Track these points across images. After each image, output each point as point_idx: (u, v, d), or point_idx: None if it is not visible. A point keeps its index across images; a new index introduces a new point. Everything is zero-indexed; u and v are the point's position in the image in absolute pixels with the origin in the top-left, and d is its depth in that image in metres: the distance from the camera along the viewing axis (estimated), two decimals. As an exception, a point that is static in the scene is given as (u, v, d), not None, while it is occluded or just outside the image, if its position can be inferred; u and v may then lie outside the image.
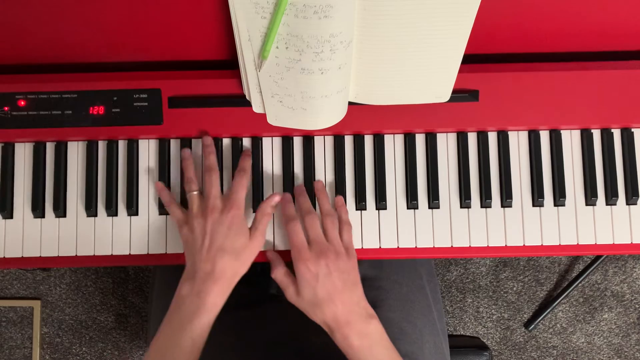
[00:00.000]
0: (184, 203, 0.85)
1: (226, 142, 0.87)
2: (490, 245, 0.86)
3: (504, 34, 0.83)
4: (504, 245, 0.86)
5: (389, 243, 0.86)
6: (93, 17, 0.78)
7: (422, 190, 0.87)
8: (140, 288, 1.67)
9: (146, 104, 0.85)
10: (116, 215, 0.86)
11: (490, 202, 0.86)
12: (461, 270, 1.68)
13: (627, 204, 0.87)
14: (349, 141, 0.88)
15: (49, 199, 0.87)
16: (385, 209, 0.87)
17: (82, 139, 0.87)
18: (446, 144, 0.88)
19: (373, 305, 0.89)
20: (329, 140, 0.88)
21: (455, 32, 0.73)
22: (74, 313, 1.66)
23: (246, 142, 0.88)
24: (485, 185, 0.86)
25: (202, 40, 0.82)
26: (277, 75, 0.75)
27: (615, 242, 0.86)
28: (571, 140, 0.88)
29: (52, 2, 0.76)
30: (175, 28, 0.80)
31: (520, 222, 0.87)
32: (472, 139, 0.88)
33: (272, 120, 0.84)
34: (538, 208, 0.87)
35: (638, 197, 0.86)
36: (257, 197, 0.86)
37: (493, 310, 1.68)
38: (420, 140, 0.88)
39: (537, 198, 0.86)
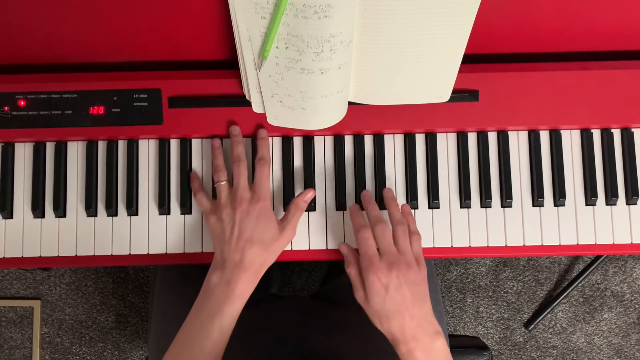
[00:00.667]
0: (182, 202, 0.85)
1: (226, 142, 0.87)
2: (490, 245, 0.86)
3: (504, 34, 0.83)
4: (504, 245, 0.86)
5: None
6: (93, 17, 0.78)
7: (422, 190, 0.87)
8: (140, 288, 1.67)
9: (146, 104, 0.85)
10: (116, 215, 0.86)
11: (490, 202, 0.86)
12: (461, 270, 1.68)
13: (627, 204, 0.87)
14: (349, 141, 0.88)
15: (49, 199, 0.87)
16: (385, 209, 0.87)
17: (82, 139, 0.87)
18: (446, 144, 0.88)
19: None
20: (329, 140, 0.88)
21: (455, 32, 0.73)
22: (74, 313, 1.66)
23: (246, 142, 0.87)
24: (485, 185, 0.86)
25: (202, 40, 0.82)
26: (277, 75, 0.75)
27: (615, 242, 0.86)
28: (571, 140, 0.88)
29: (52, 2, 0.76)
30: (175, 28, 0.80)
31: (520, 222, 0.87)
32: (472, 139, 0.88)
33: (272, 120, 0.84)
34: (538, 208, 0.87)
35: (638, 197, 0.86)
36: (257, 197, 0.86)
37: (493, 310, 1.68)
38: (420, 140, 0.88)
39: (537, 198, 0.86)
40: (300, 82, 0.74)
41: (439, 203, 0.87)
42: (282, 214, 0.86)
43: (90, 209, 0.86)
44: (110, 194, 0.86)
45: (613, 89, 0.85)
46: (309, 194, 0.85)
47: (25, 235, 0.86)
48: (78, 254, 0.86)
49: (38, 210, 0.86)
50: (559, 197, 0.86)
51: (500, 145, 0.87)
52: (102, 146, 0.87)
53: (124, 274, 1.67)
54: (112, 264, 0.86)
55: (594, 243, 0.86)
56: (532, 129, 0.88)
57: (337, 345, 0.87)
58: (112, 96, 0.85)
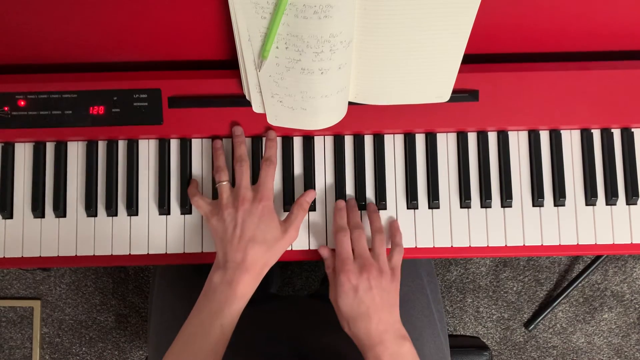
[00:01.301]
0: (185, 201, 0.85)
1: (226, 142, 0.87)
2: (490, 245, 0.86)
3: (504, 34, 0.83)
4: (504, 245, 0.86)
5: (389, 243, 0.86)
6: (93, 17, 0.78)
7: (422, 190, 0.87)
8: (140, 288, 1.67)
9: (146, 104, 0.85)
10: (116, 215, 0.86)
11: (490, 202, 0.86)
12: (461, 270, 1.68)
13: (627, 204, 0.87)
14: (349, 141, 0.88)
15: (48, 199, 0.87)
16: (385, 209, 0.87)
17: (82, 139, 0.87)
18: (446, 143, 0.88)
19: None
20: (329, 140, 0.88)
21: (455, 32, 0.73)
22: (74, 313, 1.66)
23: (246, 142, 0.87)
24: (485, 185, 0.86)
25: (202, 40, 0.82)
26: (277, 75, 0.75)
27: (615, 242, 0.86)
28: (571, 140, 0.88)
29: (52, 2, 0.76)
30: (175, 28, 0.80)
31: (520, 222, 0.87)
32: (472, 138, 0.88)
33: (272, 120, 0.84)
34: (538, 208, 0.87)
35: (638, 197, 0.86)
36: (257, 197, 0.86)
37: (493, 310, 1.68)
38: (420, 140, 0.88)
39: (537, 198, 0.86)
40: (300, 82, 0.74)
41: (439, 203, 0.87)
42: (282, 214, 0.86)
43: (90, 209, 0.86)
44: (110, 194, 0.86)
45: (613, 89, 0.85)
46: (311, 195, 0.85)
47: (25, 235, 0.86)
48: (78, 254, 0.86)
49: (38, 210, 0.86)
50: (559, 197, 0.86)
51: (500, 145, 0.87)
52: (102, 146, 0.87)
53: (124, 274, 1.67)
54: (112, 264, 0.86)
55: (594, 243, 0.86)
56: (532, 129, 0.88)
57: (337, 344, 0.87)
58: (112, 96, 0.85)
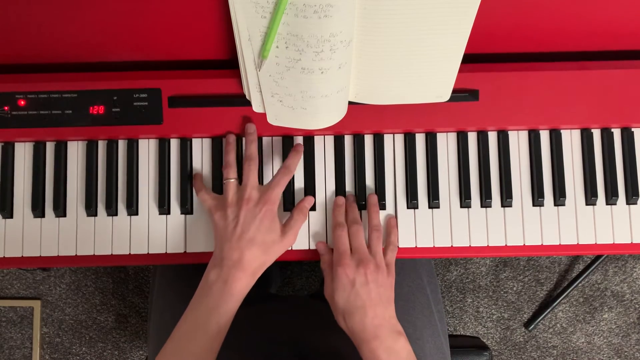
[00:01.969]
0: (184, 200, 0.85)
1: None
2: (490, 245, 0.86)
3: (504, 34, 0.83)
4: (504, 245, 0.86)
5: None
6: (93, 17, 0.78)
7: (422, 189, 0.87)
8: (140, 288, 1.67)
9: (146, 103, 0.85)
10: (116, 215, 0.86)
11: (490, 201, 0.86)
12: (461, 270, 1.68)
13: (627, 203, 0.87)
14: (349, 141, 0.88)
15: (48, 199, 0.87)
16: (385, 209, 0.87)
17: (82, 139, 0.87)
18: (446, 143, 0.88)
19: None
20: (329, 140, 0.88)
21: (455, 32, 0.73)
22: (74, 313, 1.66)
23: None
24: (485, 185, 0.86)
25: (202, 40, 0.82)
26: (277, 74, 0.75)
27: (615, 242, 0.86)
28: (571, 140, 0.88)
29: (52, 2, 0.76)
30: (175, 28, 0.80)
31: (520, 221, 0.87)
32: (472, 138, 0.88)
33: (272, 120, 0.84)
34: (538, 208, 0.87)
35: (638, 196, 0.86)
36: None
37: (493, 310, 1.68)
38: (420, 140, 0.88)
39: (537, 198, 0.86)
40: (301, 82, 0.74)
41: (439, 203, 0.87)
42: (283, 214, 0.86)
43: (90, 209, 0.86)
44: (110, 194, 0.86)
45: (613, 89, 0.85)
46: (309, 200, 0.85)
47: (25, 235, 0.86)
48: (78, 254, 0.86)
49: (38, 210, 0.86)
50: (559, 196, 0.86)
51: (500, 145, 0.87)
52: (102, 146, 0.87)
53: (124, 274, 1.67)
54: (112, 263, 0.86)
55: (594, 243, 0.86)
56: (532, 129, 0.88)
57: (337, 344, 0.87)
58: (112, 96, 0.85)
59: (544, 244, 0.86)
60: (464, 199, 0.86)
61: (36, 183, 0.86)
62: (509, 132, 0.88)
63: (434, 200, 0.86)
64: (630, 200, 0.87)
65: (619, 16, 0.81)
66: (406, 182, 0.87)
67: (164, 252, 0.86)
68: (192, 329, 0.75)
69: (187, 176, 0.87)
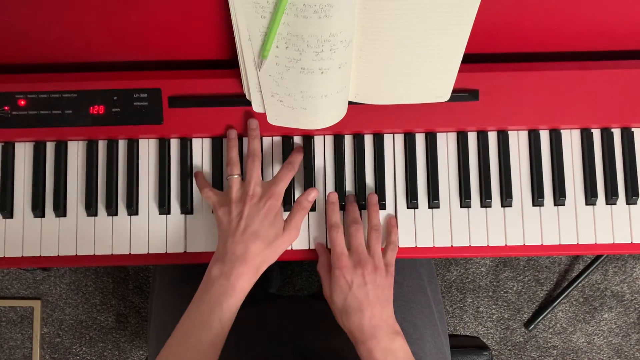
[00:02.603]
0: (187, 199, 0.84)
1: (226, 142, 0.87)
2: (490, 245, 0.86)
3: (504, 34, 0.83)
4: (504, 245, 0.86)
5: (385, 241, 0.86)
6: (93, 17, 0.78)
7: (422, 189, 0.87)
8: (140, 288, 1.67)
9: (146, 103, 0.85)
10: (116, 214, 0.86)
11: (490, 201, 0.86)
12: (461, 270, 1.68)
13: (627, 203, 0.87)
14: (349, 141, 0.88)
15: (49, 199, 0.87)
16: (385, 208, 0.87)
17: (82, 139, 0.87)
18: (446, 143, 0.88)
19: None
20: (329, 140, 0.88)
21: (455, 32, 0.73)
22: (74, 313, 1.66)
23: (246, 141, 0.87)
24: (485, 185, 0.86)
25: (202, 40, 0.82)
26: (277, 74, 0.75)
27: (615, 242, 0.86)
28: (571, 140, 0.88)
29: (52, 2, 0.76)
30: (175, 28, 0.80)
31: (520, 221, 0.87)
32: (472, 138, 0.88)
33: (272, 119, 0.84)
34: (538, 208, 0.87)
35: (638, 196, 0.86)
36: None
37: (493, 310, 1.68)
38: (420, 140, 0.88)
39: (537, 198, 0.86)
40: (301, 82, 0.74)
41: (439, 203, 0.87)
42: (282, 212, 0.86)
43: (90, 209, 0.86)
44: (110, 194, 0.86)
45: (613, 89, 0.85)
46: (313, 194, 0.85)
47: (25, 235, 0.86)
48: (78, 254, 0.86)
49: (38, 209, 0.86)
50: (559, 196, 0.86)
51: (500, 145, 0.87)
52: (102, 146, 0.87)
53: (124, 274, 1.67)
54: (112, 263, 0.86)
55: (594, 243, 0.86)
56: (532, 129, 0.88)
57: (337, 344, 0.87)
58: (112, 96, 0.85)
59: (544, 244, 0.86)
60: (464, 199, 0.86)
61: (36, 183, 0.86)
62: (509, 132, 0.88)
63: (434, 200, 0.86)
64: (630, 200, 0.87)
65: (619, 16, 0.81)
66: (406, 182, 0.87)
67: (164, 252, 0.86)
68: (195, 324, 0.75)
69: (187, 176, 0.87)
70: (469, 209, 0.87)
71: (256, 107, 0.83)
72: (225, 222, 0.79)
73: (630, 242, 0.87)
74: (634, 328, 1.68)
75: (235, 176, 0.82)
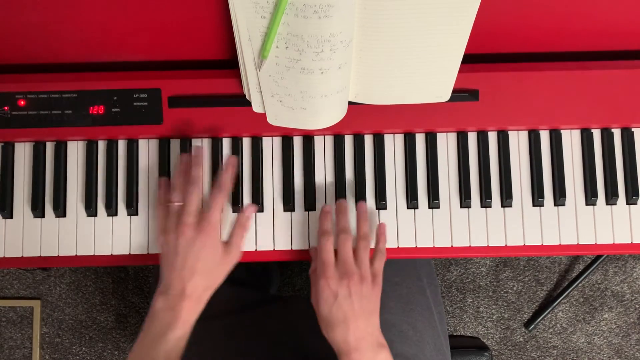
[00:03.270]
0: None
1: (226, 142, 0.87)
2: (490, 245, 0.86)
3: (504, 34, 0.83)
4: (504, 245, 0.86)
5: (389, 243, 0.86)
6: (93, 17, 0.78)
7: (422, 190, 0.87)
8: (140, 288, 1.67)
9: (146, 103, 0.85)
10: (116, 215, 0.86)
11: (490, 201, 0.86)
12: (461, 270, 1.68)
13: (627, 203, 0.87)
14: (349, 141, 0.88)
15: (48, 199, 0.87)
16: (385, 208, 0.87)
17: (82, 139, 0.87)
18: (446, 143, 0.88)
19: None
20: (329, 140, 0.88)
21: (455, 32, 0.73)
22: (74, 313, 1.66)
23: (246, 141, 0.88)
24: (485, 185, 0.86)
25: (202, 40, 0.82)
26: (277, 74, 0.75)
27: (616, 242, 0.86)
28: (571, 140, 0.88)
29: (52, 2, 0.76)
30: (175, 28, 0.80)
31: (520, 222, 0.86)
32: (472, 138, 0.88)
33: (272, 120, 0.84)
34: (538, 208, 0.87)
35: (638, 196, 0.86)
36: (256, 197, 0.86)
37: (493, 310, 1.68)
38: (420, 140, 0.88)
39: (537, 198, 0.86)
40: (300, 82, 0.74)
41: (439, 203, 0.87)
42: (282, 215, 0.86)
43: (90, 209, 0.86)
44: (110, 194, 0.86)
45: (613, 89, 0.85)
46: (250, 209, 0.84)
47: (25, 235, 0.86)
48: (78, 254, 0.86)
49: (38, 210, 0.86)
50: (559, 196, 0.86)
51: (501, 145, 0.87)
52: (102, 146, 0.87)
53: (124, 274, 1.67)
54: (112, 263, 0.86)
55: (594, 243, 0.86)
56: (532, 129, 0.88)
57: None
58: (112, 96, 0.85)
59: (544, 244, 0.86)
60: (464, 199, 0.86)
61: (36, 183, 0.86)
62: (509, 132, 0.88)
63: (434, 200, 0.86)
64: (630, 200, 0.87)
65: (619, 16, 0.81)
66: (406, 182, 0.87)
67: (164, 252, 0.86)
68: (143, 357, 0.74)
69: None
70: (469, 209, 0.87)
71: (256, 107, 0.83)
72: (164, 253, 0.79)
73: (630, 242, 0.87)
74: (634, 328, 1.68)
75: (175, 204, 0.80)
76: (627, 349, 1.68)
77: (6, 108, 0.85)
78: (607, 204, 0.87)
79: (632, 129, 0.88)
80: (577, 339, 1.68)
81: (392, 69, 0.77)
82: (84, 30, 0.80)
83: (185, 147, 0.87)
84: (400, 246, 0.86)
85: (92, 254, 0.86)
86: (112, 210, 0.86)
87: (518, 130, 0.88)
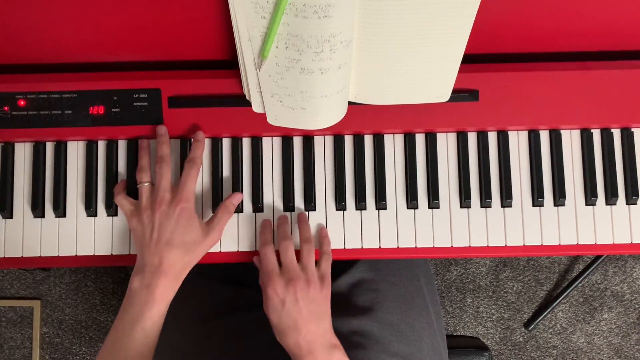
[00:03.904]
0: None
1: (226, 142, 0.87)
2: (490, 245, 0.86)
3: (504, 33, 0.83)
4: (504, 245, 0.86)
5: (389, 243, 0.86)
6: (93, 17, 0.78)
7: (422, 190, 0.87)
8: (140, 288, 1.67)
9: (146, 103, 0.85)
10: (116, 215, 0.86)
11: (490, 202, 0.86)
12: (461, 270, 1.68)
13: (627, 203, 0.87)
14: (349, 141, 0.88)
15: (48, 199, 0.87)
16: (385, 208, 0.87)
17: (82, 139, 0.87)
18: (446, 143, 0.88)
19: (370, 308, 0.89)
20: (329, 140, 0.88)
21: (455, 32, 0.73)
22: (74, 313, 1.66)
23: (246, 141, 0.88)
24: (485, 185, 0.86)
25: (202, 40, 0.82)
26: (277, 75, 0.75)
27: (615, 242, 0.86)
28: (571, 140, 0.88)
29: (52, 2, 0.76)
30: (176, 28, 0.80)
31: (520, 222, 0.86)
32: (472, 138, 0.88)
33: (272, 120, 0.84)
34: (538, 208, 0.87)
35: (638, 196, 0.86)
36: (256, 197, 0.86)
37: (493, 310, 1.68)
38: (420, 140, 0.88)
39: (537, 198, 0.86)
40: (300, 82, 0.74)
41: (439, 203, 0.87)
42: (280, 215, 0.86)
43: (90, 209, 0.86)
44: (110, 194, 0.86)
45: (613, 89, 0.85)
46: (237, 197, 0.84)
47: (25, 235, 0.86)
48: (78, 254, 0.86)
49: (38, 210, 0.86)
50: (559, 197, 0.86)
51: (500, 145, 0.87)
52: (102, 146, 0.87)
53: (124, 274, 1.67)
54: (112, 264, 0.86)
55: (594, 243, 0.86)
56: (532, 129, 0.88)
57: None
58: (112, 96, 0.85)
59: (544, 244, 0.86)
60: (464, 199, 0.86)
61: (36, 183, 0.86)
62: (509, 132, 0.88)
63: (433, 200, 0.86)
64: (630, 201, 0.87)
65: (619, 16, 0.81)
66: (406, 182, 0.87)
67: (164, 252, 0.86)
68: (120, 336, 0.75)
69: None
70: (469, 209, 0.87)
71: (256, 108, 0.83)
72: (139, 232, 0.79)
73: (630, 242, 0.87)
74: (634, 328, 1.68)
75: (145, 184, 0.81)
76: (627, 349, 1.68)
77: (6, 108, 0.85)
78: (607, 204, 0.87)
79: (632, 129, 0.88)
80: (577, 339, 1.68)
81: (392, 69, 0.77)
82: (84, 30, 0.80)
83: (185, 146, 0.87)
84: (400, 246, 0.86)
85: (92, 254, 0.86)
86: (112, 210, 0.86)
87: (518, 130, 0.88)
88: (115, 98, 0.85)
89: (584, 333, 1.68)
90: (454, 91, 0.83)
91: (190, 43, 0.82)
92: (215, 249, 0.85)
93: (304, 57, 0.71)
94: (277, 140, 0.88)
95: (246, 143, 0.88)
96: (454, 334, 1.69)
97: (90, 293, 1.66)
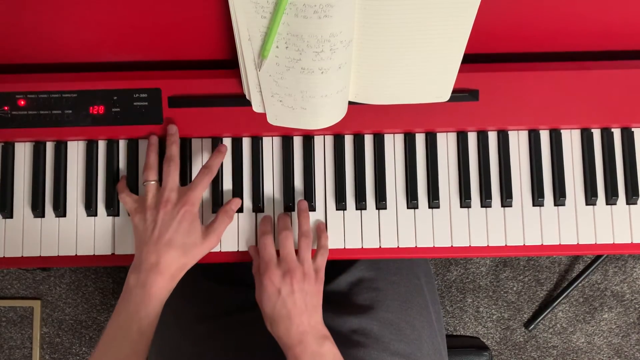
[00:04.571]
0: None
1: (226, 142, 0.87)
2: (490, 245, 0.86)
3: (504, 33, 0.83)
4: (504, 245, 0.86)
5: (389, 243, 0.86)
6: (93, 17, 0.78)
7: (422, 189, 0.87)
8: (140, 288, 1.67)
9: (146, 103, 0.85)
10: (116, 215, 0.86)
11: (490, 201, 0.86)
12: (461, 270, 1.68)
13: (627, 203, 0.87)
14: (349, 141, 0.88)
15: (48, 199, 0.87)
16: (385, 208, 0.87)
17: (82, 139, 0.87)
18: (446, 143, 0.88)
19: (370, 307, 0.89)
20: (329, 140, 0.88)
21: (455, 32, 0.73)
22: (74, 313, 1.66)
23: (246, 141, 0.88)
24: (485, 185, 0.86)
25: (202, 40, 0.82)
26: (277, 74, 0.75)
27: (616, 242, 0.86)
28: (571, 140, 0.88)
29: (52, 2, 0.76)
30: (175, 28, 0.80)
31: (520, 221, 0.87)
32: (472, 138, 0.88)
33: (272, 120, 0.84)
34: (538, 208, 0.87)
35: (638, 196, 0.86)
36: (256, 197, 0.86)
37: (493, 310, 1.68)
38: (420, 140, 0.88)
39: (537, 198, 0.86)
40: (300, 82, 0.74)
41: (439, 203, 0.87)
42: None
43: (90, 209, 0.86)
44: (111, 194, 0.86)
45: (613, 89, 0.85)
46: (236, 202, 0.85)
47: (25, 235, 0.86)
48: (78, 254, 0.86)
49: (38, 209, 0.86)
50: (559, 196, 0.86)
51: (501, 145, 0.87)
52: (102, 146, 0.87)
53: (124, 274, 1.67)
54: (112, 264, 0.86)
55: (594, 243, 0.86)
56: (532, 129, 0.88)
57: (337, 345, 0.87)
58: (112, 96, 0.85)
59: (544, 244, 0.86)
60: (464, 199, 0.86)
61: (36, 183, 0.86)
62: (509, 132, 0.88)
63: (434, 200, 0.86)
64: (630, 200, 0.87)
65: (619, 16, 0.81)
66: (406, 182, 0.87)
67: (164, 252, 0.86)
68: (116, 335, 0.75)
69: (188, 176, 0.87)
70: (469, 209, 0.87)
71: (256, 107, 0.83)
72: (140, 229, 0.79)
73: (630, 242, 0.87)
74: (634, 328, 1.68)
75: (152, 182, 0.81)
76: (627, 349, 1.68)
77: (6, 108, 0.85)
78: (607, 203, 0.87)
79: (632, 129, 0.88)
80: (577, 339, 1.68)
81: (392, 69, 0.77)
82: (84, 30, 0.80)
83: (185, 146, 0.87)
84: (400, 246, 0.86)
85: (92, 254, 0.86)
86: (112, 210, 0.86)
87: (518, 130, 0.88)
88: (115, 98, 0.85)
89: (584, 333, 1.68)
90: (454, 91, 0.83)
91: (190, 43, 0.82)
92: (215, 248, 0.85)
93: (304, 56, 0.71)
94: (277, 140, 0.88)
95: (246, 143, 0.88)
96: (454, 333, 1.68)
97: (90, 293, 1.66)
